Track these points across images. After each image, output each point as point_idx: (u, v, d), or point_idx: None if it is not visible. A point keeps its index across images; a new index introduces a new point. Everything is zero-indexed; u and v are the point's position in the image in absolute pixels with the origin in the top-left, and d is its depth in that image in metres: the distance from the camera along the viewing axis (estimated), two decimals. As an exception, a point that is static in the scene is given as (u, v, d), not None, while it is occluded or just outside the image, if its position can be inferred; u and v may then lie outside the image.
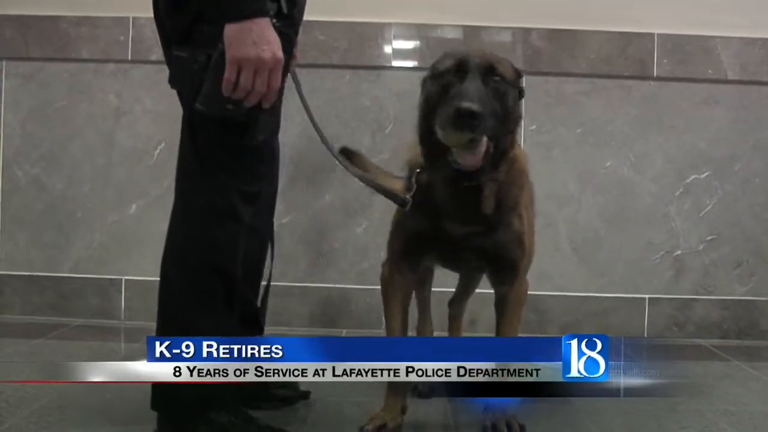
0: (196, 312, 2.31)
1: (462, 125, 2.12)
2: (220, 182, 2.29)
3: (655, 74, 4.37)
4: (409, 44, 4.39)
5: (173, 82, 2.31)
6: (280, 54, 2.11)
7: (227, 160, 2.29)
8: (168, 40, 2.32)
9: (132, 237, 4.33)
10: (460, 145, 2.17)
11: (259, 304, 2.76)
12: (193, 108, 2.21)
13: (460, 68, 2.25)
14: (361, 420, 2.54)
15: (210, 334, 2.29)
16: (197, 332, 2.28)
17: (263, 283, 2.78)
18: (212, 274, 2.32)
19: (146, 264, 4.14)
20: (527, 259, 2.59)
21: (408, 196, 2.42)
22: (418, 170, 2.43)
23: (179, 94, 2.35)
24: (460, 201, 2.38)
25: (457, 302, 3.29)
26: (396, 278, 2.59)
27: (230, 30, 2.08)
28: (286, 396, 2.85)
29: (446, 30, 4.39)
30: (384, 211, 4.22)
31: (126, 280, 4.33)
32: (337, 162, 2.64)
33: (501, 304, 2.63)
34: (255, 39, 2.08)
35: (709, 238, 4.41)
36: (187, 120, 2.32)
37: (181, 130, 2.36)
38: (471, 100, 2.12)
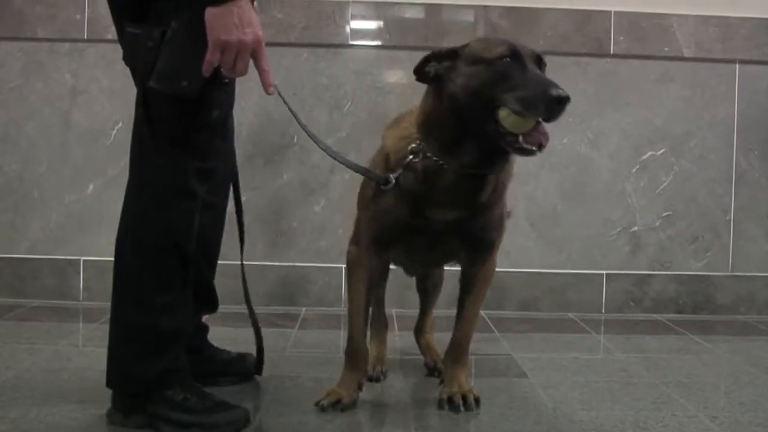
0: (151, 290, 2.30)
1: (558, 111, 2.13)
2: (176, 160, 2.28)
3: (611, 52, 4.40)
4: (369, 23, 4.39)
5: (127, 58, 2.30)
6: (261, 35, 2.11)
7: (182, 138, 2.27)
8: (120, 17, 2.30)
9: (89, 217, 4.31)
10: (525, 130, 2.18)
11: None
12: (147, 85, 2.20)
13: (516, 55, 2.23)
14: (317, 395, 2.55)
15: (164, 312, 2.29)
16: (152, 310, 2.28)
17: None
18: (167, 253, 2.32)
19: (104, 244, 4.10)
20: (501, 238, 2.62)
21: (392, 177, 2.42)
22: (412, 158, 2.40)
23: (132, 71, 2.33)
24: (462, 189, 2.38)
25: (421, 325, 3.21)
26: (364, 261, 2.58)
27: (212, 13, 2.06)
28: (243, 371, 2.86)
29: (406, 9, 4.39)
30: (342, 190, 4.26)
31: (84, 260, 4.31)
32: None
33: (469, 282, 2.64)
34: (237, 22, 2.06)
35: (665, 214, 4.46)
36: (141, 97, 2.30)
37: (135, 108, 2.35)
38: (561, 88, 2.13)
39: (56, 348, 3.25)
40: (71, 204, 4.33)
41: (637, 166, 4.44)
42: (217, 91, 2.25)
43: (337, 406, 2.47)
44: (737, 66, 4.47)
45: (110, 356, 2.34)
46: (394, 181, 2.41)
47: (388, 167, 2.46)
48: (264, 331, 3.49)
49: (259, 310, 4.07)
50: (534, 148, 2.19)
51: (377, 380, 2.88)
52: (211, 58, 2.09)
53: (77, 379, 2.79)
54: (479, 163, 2.33)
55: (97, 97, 4.31)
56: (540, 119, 2.18)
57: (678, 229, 4.47)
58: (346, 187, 4.31)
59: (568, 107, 4.33)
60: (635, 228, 4.42)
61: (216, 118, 2.30)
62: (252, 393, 2.71)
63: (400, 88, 4.32)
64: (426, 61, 2.37)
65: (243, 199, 4.11)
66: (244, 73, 2.14)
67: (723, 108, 4.47)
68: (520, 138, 2.18)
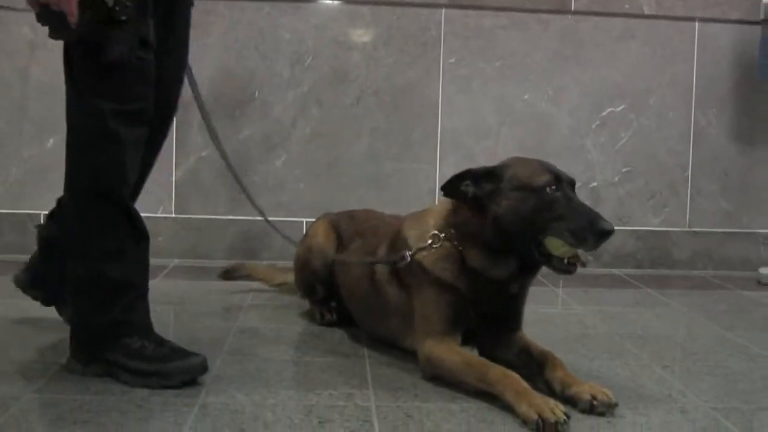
0: (89, 238, 2.32)
1: (603, 242, 2.24)
2: (93, 105, 2.30)
3: (572, 8, 4.42)
4: (331, -22, 4.37)
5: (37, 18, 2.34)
6: None
7: (94, 83, 2.30)
8: None
9: (49, 171, 4.26)
10: (570, 254, 2.28)
11: None
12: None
13: (559, 183, 2.32)
14: (276, 346, 2.56)
15: (106, 260, 2.31)
16: (92, 259, 2.30)
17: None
18: (99, 199, 2.33)
19: (64, 198, 4.10)
20: None
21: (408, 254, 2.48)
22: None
23: None
24: (499, 288, 2.44)
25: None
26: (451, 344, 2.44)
27: None
28: None
29: (368, -36, 4.38)
30: (303, 145, 4.27)
31: (44, 214, 4.27)
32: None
33: None
34: None
35: (624, 170, 4.50)
36: (64, 49, 2.36)
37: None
38: (604, 218, 2.24)
39: (15, 302, 3.24)
40: (31, 159, 4.30)
41: (597, 123, 4.47)
42: (114, 31, 2.24)
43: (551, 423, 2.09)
44: (697, 24, 4.51)
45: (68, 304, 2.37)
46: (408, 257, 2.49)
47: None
48: (225, 285, 3.52)
49: (220, 264, 4.11)
50: (574, 270, 2.31)
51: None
52: None
53: (37, 330, 2.80)
54: (517, 275, 2.41)
55: (56, 51, 4.23)
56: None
57: (636, 185, 4.52)
58: (308, 142, 4.33)
59: (529, 62, 4.41)
60: (594, 183, 4.46)
61: (122, 58, 2.28)
62: (211, 342, 2.71)
63: (362, 45, 4.32)
64: (459, 179, 2.41)
65: (203, 153, 4.14)
66: (63, 7, 2.14)
67: (682, 66, 4.51)
68: (566, 260, 2.29)
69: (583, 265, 2.32)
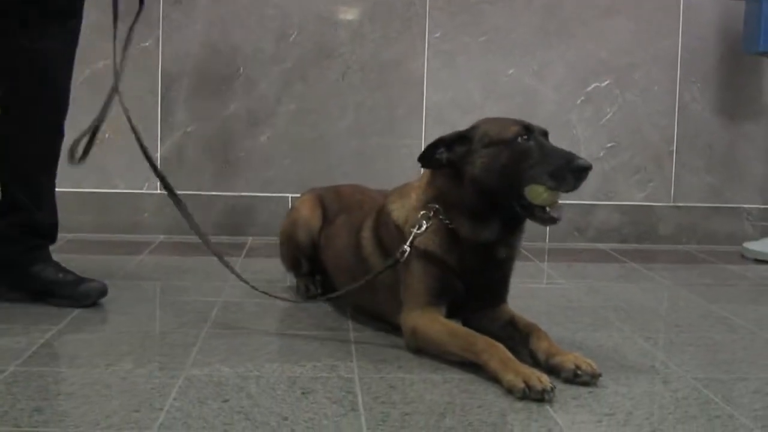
0: None
1: (583, 180, 2.24)
2: None
3: (557, -17, 4.42)
4: (316, -48, 4.36)
5: None
6: None
7: None
8: None
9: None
10: (552, 201, 2.28)
11: None
12: None
13: (529, 132, 2.32)
14: (260, 319, 2.58)
15: None
16: None
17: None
18: None
19: None
20: None
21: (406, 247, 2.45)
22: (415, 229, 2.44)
23: None
24: (487, 254, 2.44)
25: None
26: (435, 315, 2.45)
27: None
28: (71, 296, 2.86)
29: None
30: (289, 120, 4.27)
31: None
32: None
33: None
34: None
35: (609, 145, 4.51)
36: None
37: None
38: (580, 156, 2.25)
39: None
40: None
41: (582, 98, 4.48)
42: None
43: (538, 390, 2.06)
44: (682, -2, 4.53)
45: None
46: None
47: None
48: (210, 260, 3.50)
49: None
50: (558, 217, 2.30)
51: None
52: None
53: (22, 304, 2.80)
54: (502, 236, 2.42)
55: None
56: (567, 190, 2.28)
57: (622, 160, 4.53)
58: (293, 118, 4.32)
59: (513, 37, 4.40)
60: (580, 159, 4.46)
61: None
62: (196, 316, 2.73)
63: (347, 20, 4.31)
64: (434, 147, 2.42)
65: (189, 129, 4.13)
66: None
67: (667, 40, 4.51)
68: (548, 209, 2.29)
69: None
